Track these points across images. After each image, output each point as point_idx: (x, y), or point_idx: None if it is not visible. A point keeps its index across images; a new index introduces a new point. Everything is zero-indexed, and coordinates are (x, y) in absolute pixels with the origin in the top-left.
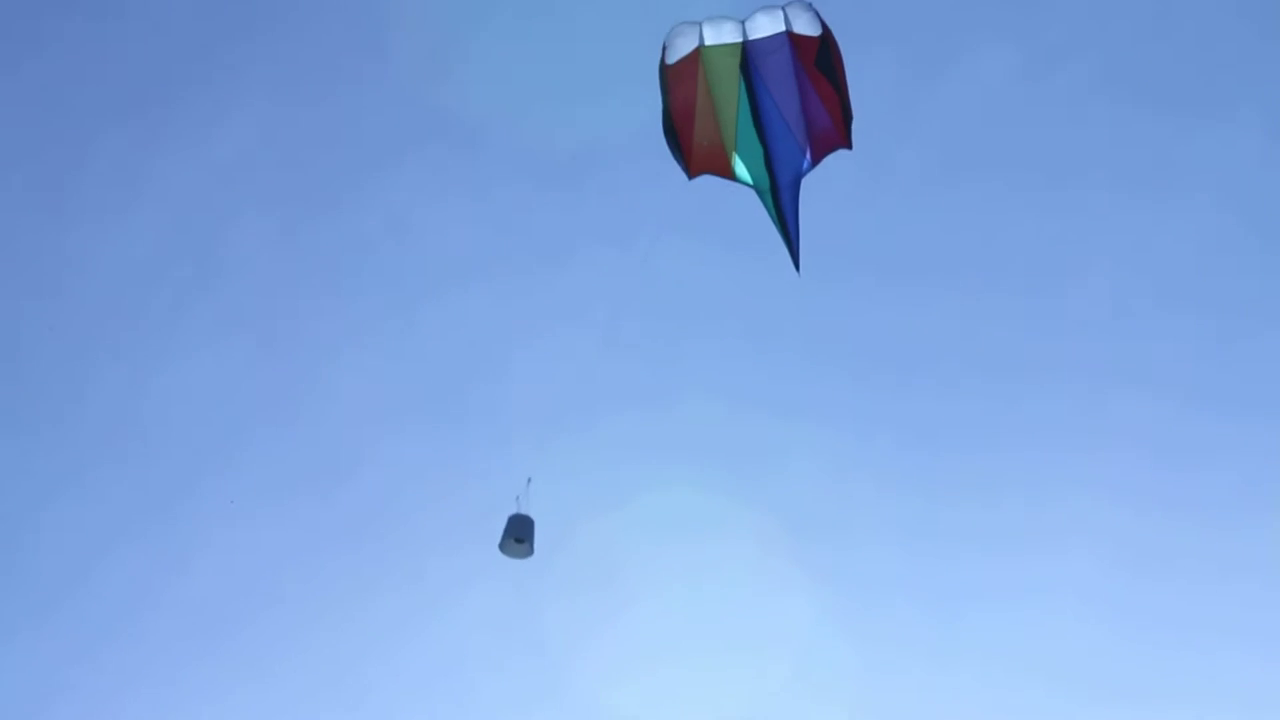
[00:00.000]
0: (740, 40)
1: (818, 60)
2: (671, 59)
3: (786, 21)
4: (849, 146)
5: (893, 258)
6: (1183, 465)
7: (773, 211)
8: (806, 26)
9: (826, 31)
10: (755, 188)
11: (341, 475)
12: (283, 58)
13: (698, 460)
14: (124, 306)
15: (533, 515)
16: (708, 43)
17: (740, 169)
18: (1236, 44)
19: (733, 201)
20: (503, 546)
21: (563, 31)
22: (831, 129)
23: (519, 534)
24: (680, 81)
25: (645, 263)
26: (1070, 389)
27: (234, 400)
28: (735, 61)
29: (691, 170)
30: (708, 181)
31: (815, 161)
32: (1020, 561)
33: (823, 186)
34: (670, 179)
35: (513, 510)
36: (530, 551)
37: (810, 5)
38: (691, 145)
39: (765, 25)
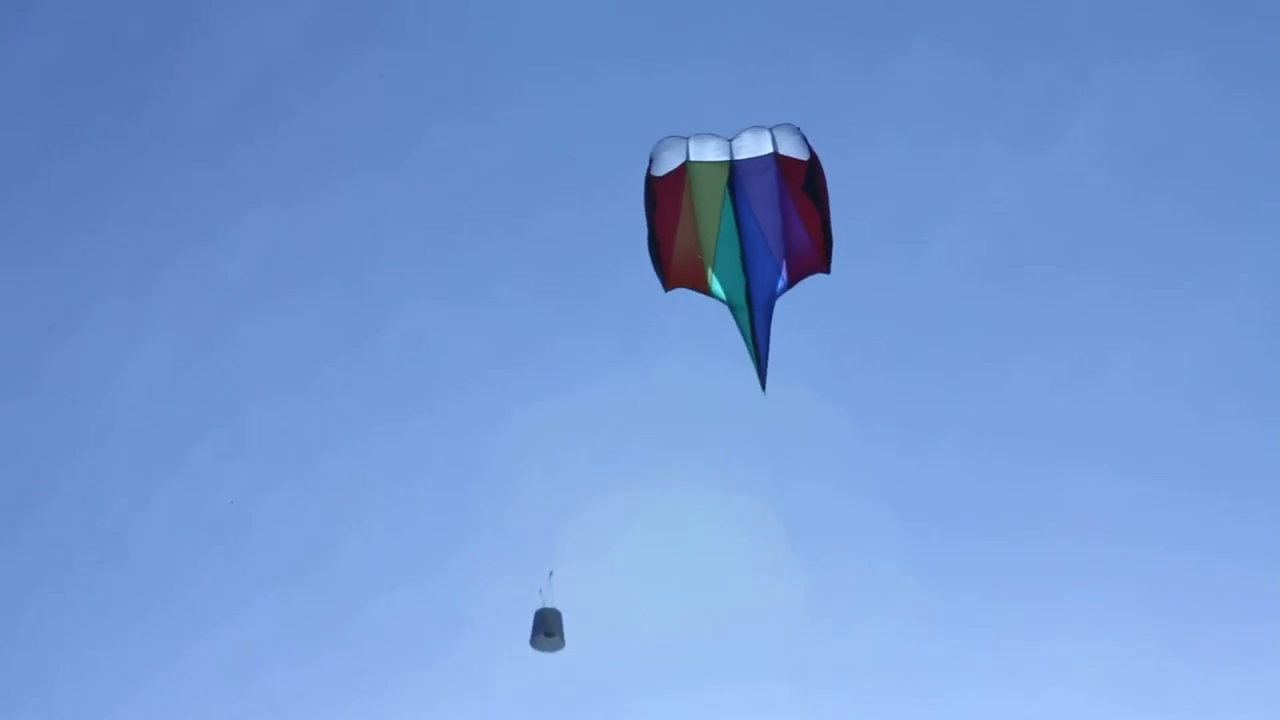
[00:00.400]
0: (727, 159)
1: (806, 184)
2: (658, 172)
3: (774, 143)
4: (827, 271)
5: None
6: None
7: (745, 330)
8: (794, 149)
9: (814, 157)
10: (730, 304)
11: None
12: (290, 161)
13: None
14: (133, 430)
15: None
16: (693, 159)
17: (716, 286)
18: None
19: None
20: (534, 642)
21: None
22: (812, 252)
23: (548, 628)
24: (665, 194)
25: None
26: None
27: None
28: (722, 179)
29: (668, 283)
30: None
31: (791, 283)
32: (1016, 698)
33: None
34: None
35: (538, 605)
36: (561, 644)
37: (798, 129)
38: (671, 258)
39: (752, 145)
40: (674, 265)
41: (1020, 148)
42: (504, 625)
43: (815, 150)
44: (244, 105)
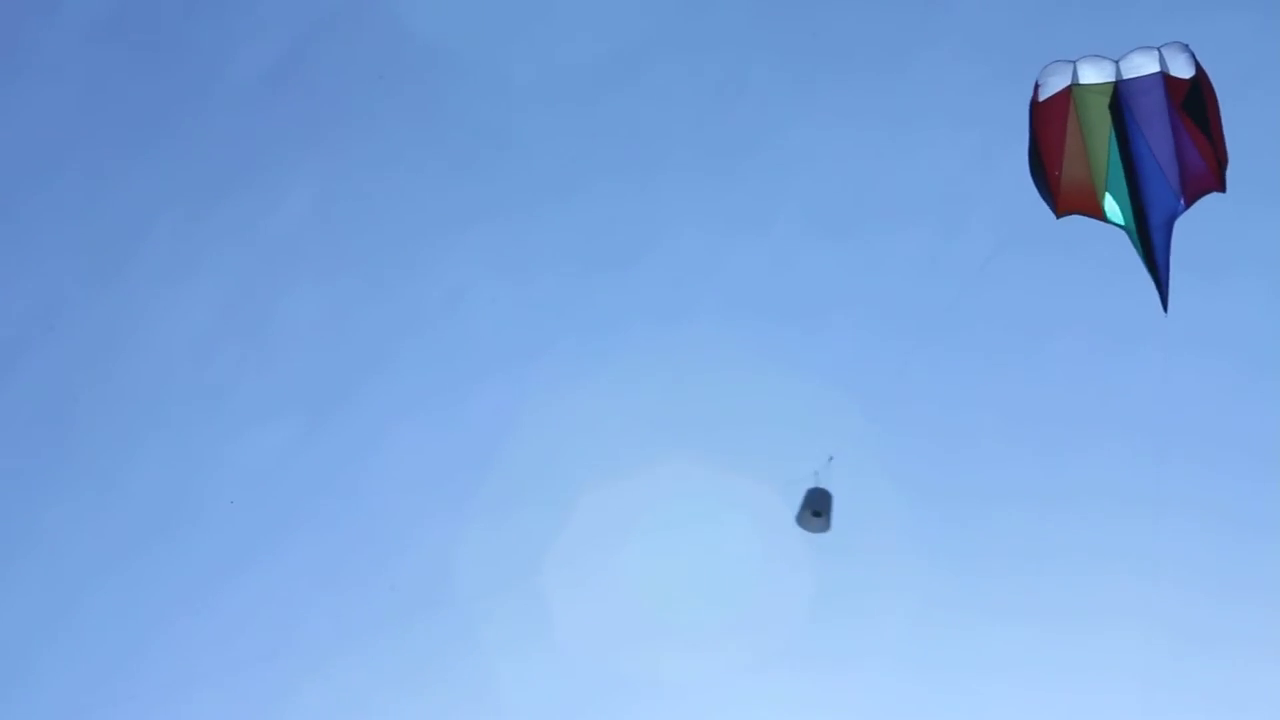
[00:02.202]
0: (1113, 80)
1: (1186, 101)
2: (1043, 96)
3: (1162, 62)
4: (1223, 189)
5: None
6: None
7: (1141, 251)
8: (1182, 68)
9: (1200, 73)
10: (1125, 228)
11: (389, 555)
12: (338, 137)
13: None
14: (177, 381)
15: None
16: (1081, 82)
17: (1111, 209)
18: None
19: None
20: (799, 519)
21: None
22: (1205, 171)
23: (817, 507)
24: (1050, 119)
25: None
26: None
27: (284, 478)
28: (1105, 101)
29: (1059, 209)
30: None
31: (1188, 204)
32: (1034, 689)
33: None
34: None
35: (811, 484)
36: (827, 527)
37: (1186, 47)
38: (1059, 184)
39: (1140, 65)
40: (1063, 191)
41: None
42: (504, 626)
43: (1203, 68)
44: (289, 60)
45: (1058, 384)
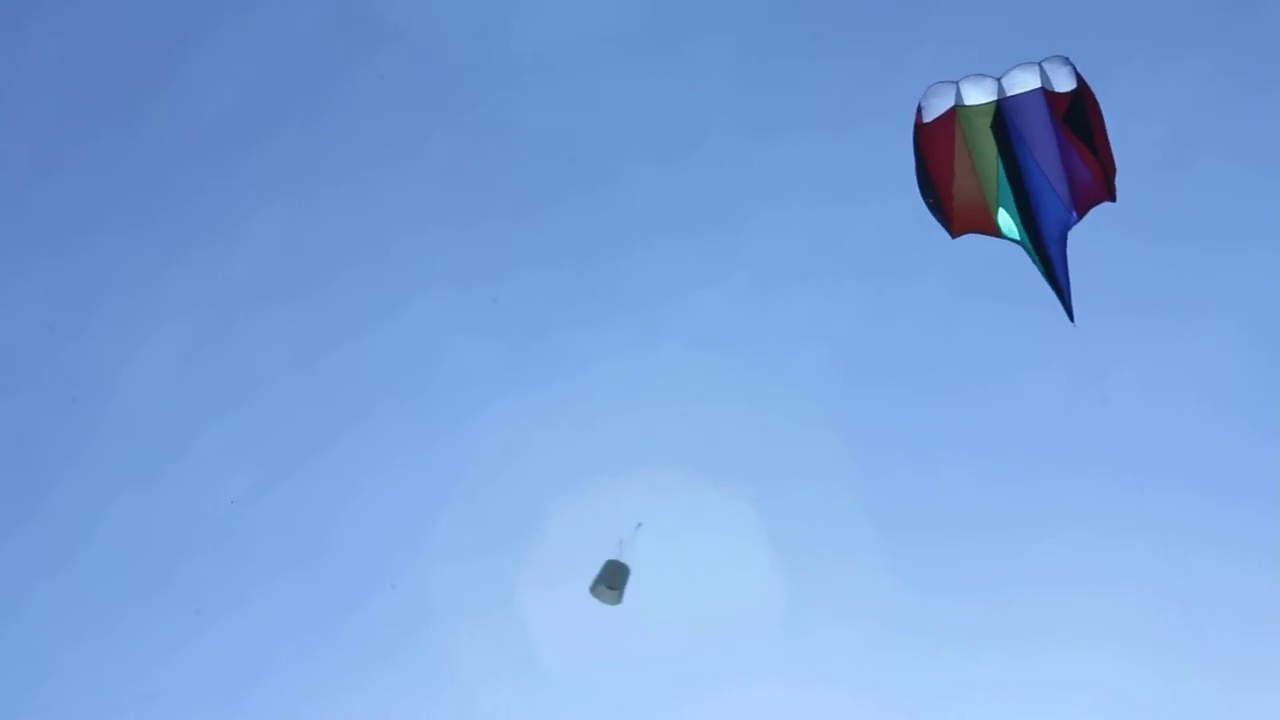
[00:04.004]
0: (995, 99)
1: (1068, 114)
2: (927, 118)
3: (1043, 78)
4: (1113, 199)
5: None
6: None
7: (1040, 266)
8: (1063, 82)
9: (1082, 85)
10: (1020, 243)
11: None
12: (305, 158)
13: None
14: (139, 426)
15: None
16: (965, 103)
17: (1005, 224)
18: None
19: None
20: (594, 589)
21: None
22: (1093, 182)
23: (611, 581)
24: (936, 141)
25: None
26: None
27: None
28: (988, 121)
29: (954, 229)
30: None
31: (1080, 216)
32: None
33: None
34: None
35: (613, 555)
36: (619, 600)
37: (1068, 60)
38: (953, 205)
39: (1022, 82)
40: (957, 211)
41: None
42: (502, 627)
43: (1085, 80)
44: (252, 104)
45: (1022, 415)
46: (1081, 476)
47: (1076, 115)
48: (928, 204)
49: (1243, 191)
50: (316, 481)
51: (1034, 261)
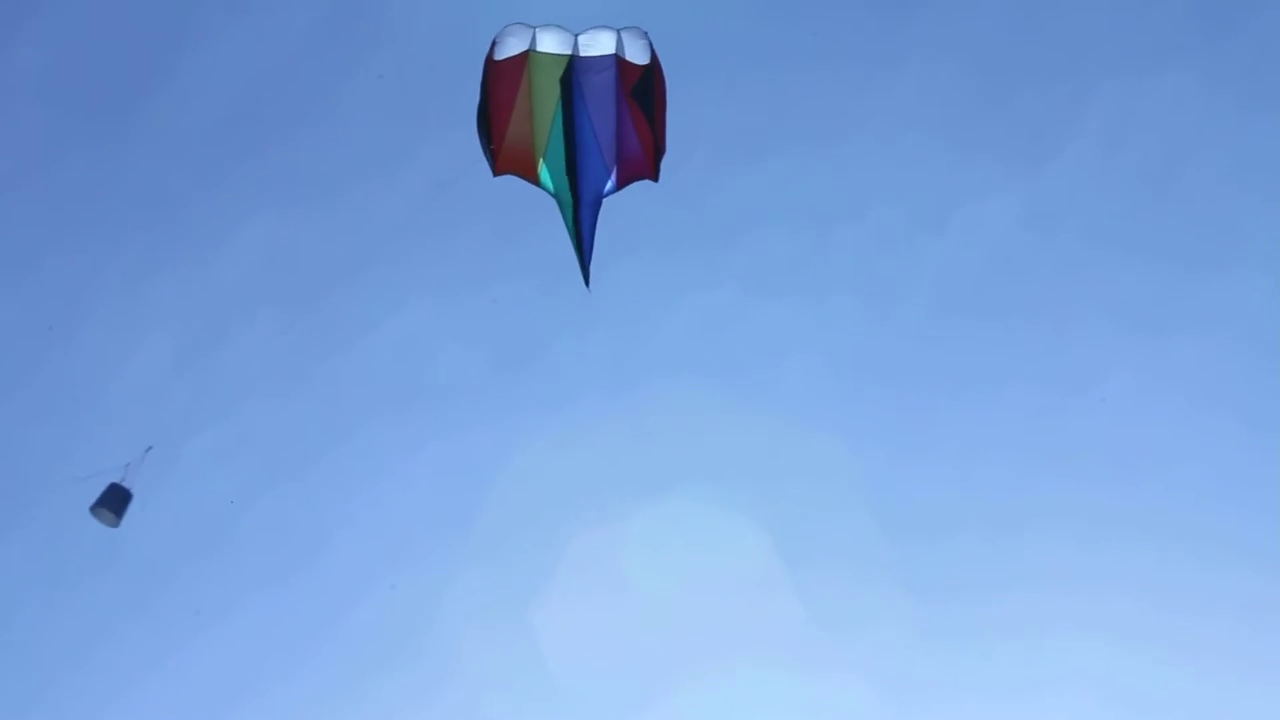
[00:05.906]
0: (569, 53)
1: (636, 87)
2: (499, 55)
3: (620, 45)
4: (655, 179)
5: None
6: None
7: (570, 224)
8: (638, 55)
9: (655, 62)
10: (556, 197)
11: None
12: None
13: None
14: (124, 431)
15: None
16: (538, 49)
17: (545, 177)
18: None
19: None
20: (94, 509)
21: None
22: (641, 157)
23: (112, 505)
24: (503, 79)
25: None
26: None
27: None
28: (558, 73)
29: (497, 168)
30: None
31: (620, 186)
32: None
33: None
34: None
35: (121, 478)
36: (117, 524)
37: (645, 34)
38: (502, 144)
39: (597, 44)
40: (504, 151)
41: (1016, 165)
42: (497, 628)
43: (659, 57)
44: (242, 111)
45: (1020, 419)
46: (1066, 477)
47: (644, 90)
48: (480, 139)
49: (1230, 207)
50: (310, 487)
51: (565, 220)
